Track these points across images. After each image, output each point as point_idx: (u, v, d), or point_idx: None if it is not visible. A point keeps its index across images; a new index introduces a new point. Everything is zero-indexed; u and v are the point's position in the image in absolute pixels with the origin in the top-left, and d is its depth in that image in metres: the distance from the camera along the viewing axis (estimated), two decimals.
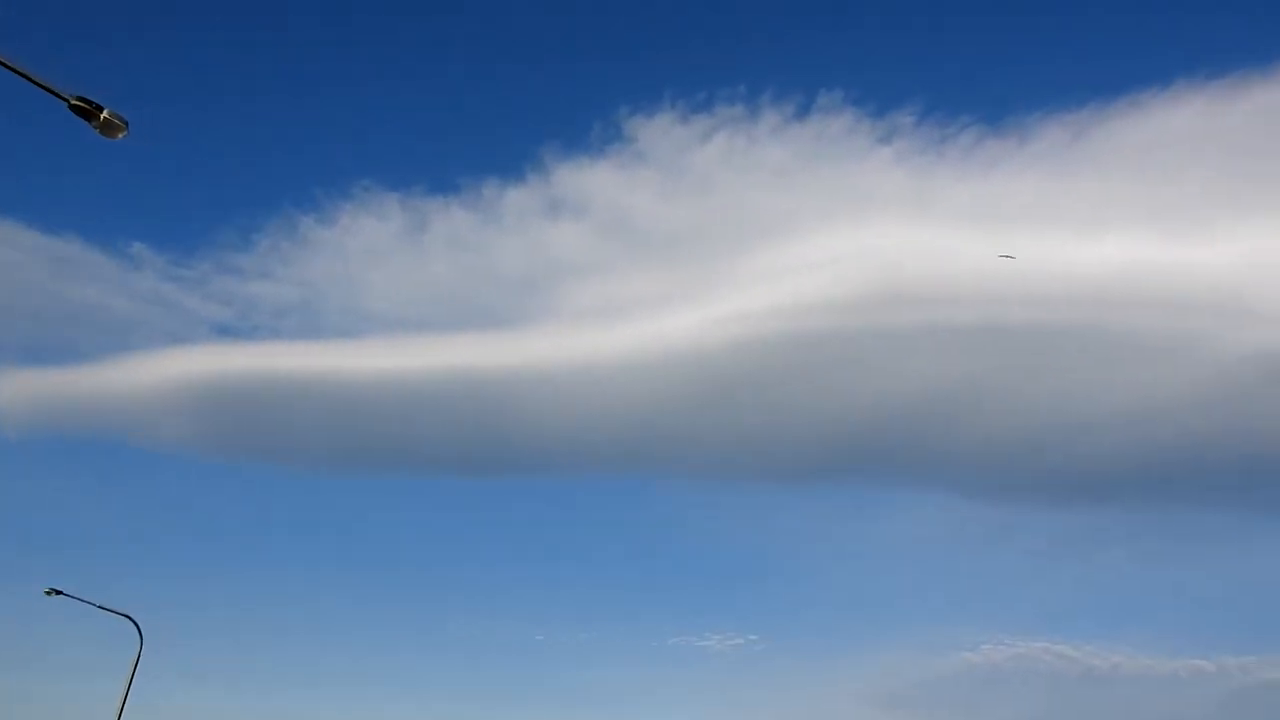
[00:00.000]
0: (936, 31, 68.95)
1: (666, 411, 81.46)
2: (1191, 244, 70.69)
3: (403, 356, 58.92)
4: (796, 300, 72.03)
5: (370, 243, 62.10)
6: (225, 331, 55.59)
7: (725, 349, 77.22)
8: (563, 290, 70.29)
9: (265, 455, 60.03)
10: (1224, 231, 71.47)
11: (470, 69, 66.56)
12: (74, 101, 9.02)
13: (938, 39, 67.94)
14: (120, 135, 9.15)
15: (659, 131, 62.91)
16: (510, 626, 57.36)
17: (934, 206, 78.47)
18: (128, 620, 19.34)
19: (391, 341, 60.17)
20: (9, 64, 8.29)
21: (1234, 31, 70.75)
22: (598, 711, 56.01)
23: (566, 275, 69.00)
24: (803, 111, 61.15)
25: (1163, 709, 77.07)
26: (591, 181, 66.01)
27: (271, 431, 58.07)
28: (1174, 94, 69.07)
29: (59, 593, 18.79)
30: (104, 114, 9.08)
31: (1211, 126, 75.89)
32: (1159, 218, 78.76)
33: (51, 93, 8.83)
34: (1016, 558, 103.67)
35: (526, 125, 65.53)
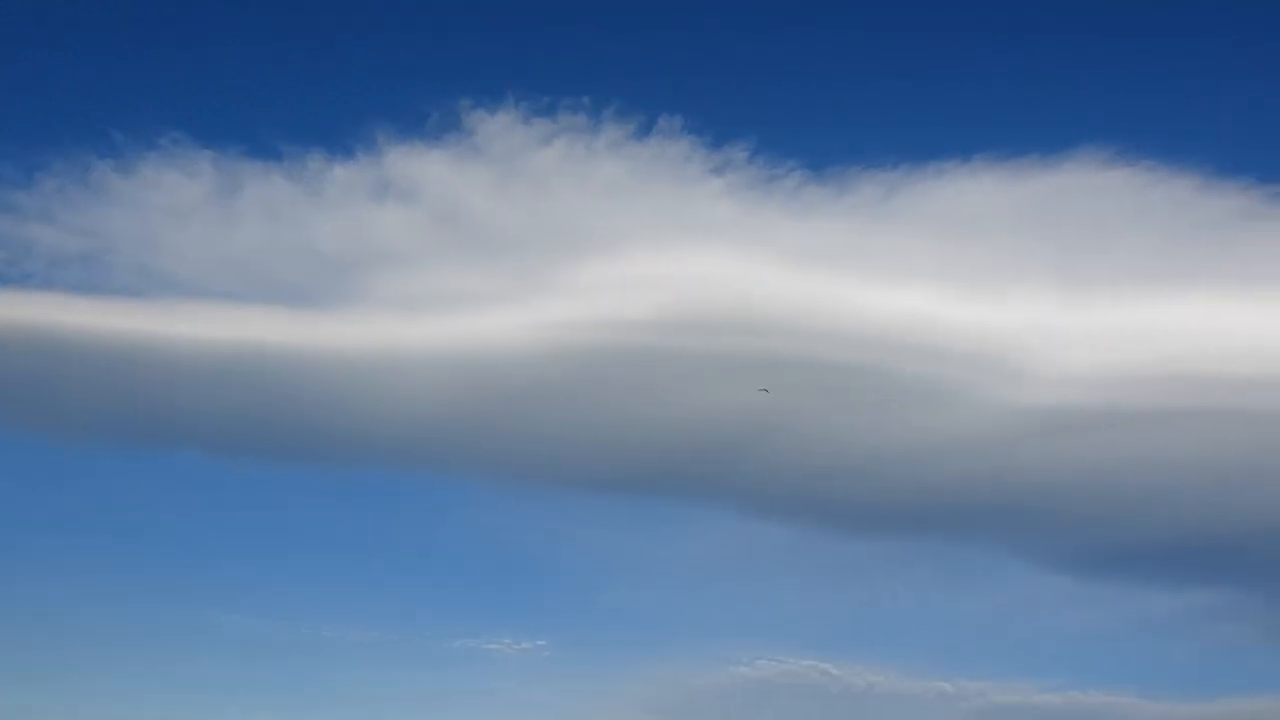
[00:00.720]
0: (774, 76, 72.26)
1: (473, 412, 79.62)
2: (977, 304, 78.51)
3: (198, 324, 54.22)
4: (618, 315, 72.99)
5: (174, 200, 56.73)
6: None
7: (541, 355, 76.69)
8: (380, 276, 67.16)
9: (21, 421, 53.08)
10: (1004, 296, 79.88)
11: (310, 34, 62.28)
12: None
13: (775, 84, 71.23)
14: None
15: (499, 128, 61.72)
16: (286, 623, 54.03)
17: (756, 241, 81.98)
18: None
19: (187, 307, 55.11)
20: None
21: (1029, 120, 78.70)
22: (375, 714, 53.65)
23: (386, 261, 66.11)
24: (643, 132, 62.18)
25: None
26: (424, 169, 63.82)
27: (32, 394, 51.49)
28: (974, 167, 75.78)
29: None
30: None
31: (1003, 201, 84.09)
32: (952, 277, 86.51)
33: None
34: (796, 580, 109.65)
35: (362, 101, 62.06)
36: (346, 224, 61.75)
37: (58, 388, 52.28)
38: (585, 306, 74.63)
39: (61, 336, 51.51)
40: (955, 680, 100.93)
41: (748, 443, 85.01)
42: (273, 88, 66.27)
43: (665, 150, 77.64)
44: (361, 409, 62.25)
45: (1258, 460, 79.76)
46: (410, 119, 61.83)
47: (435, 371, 67.57)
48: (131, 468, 56.54)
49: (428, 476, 72.75)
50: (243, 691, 52.18)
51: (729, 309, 76.57)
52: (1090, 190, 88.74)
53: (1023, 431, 77.30)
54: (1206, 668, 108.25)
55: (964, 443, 78.29)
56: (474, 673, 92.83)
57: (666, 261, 75.33)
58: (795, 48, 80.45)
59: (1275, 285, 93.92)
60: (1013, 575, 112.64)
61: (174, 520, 57.43)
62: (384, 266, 62.95)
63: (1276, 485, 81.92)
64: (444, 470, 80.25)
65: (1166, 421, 79.53)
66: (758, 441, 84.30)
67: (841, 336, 76.37)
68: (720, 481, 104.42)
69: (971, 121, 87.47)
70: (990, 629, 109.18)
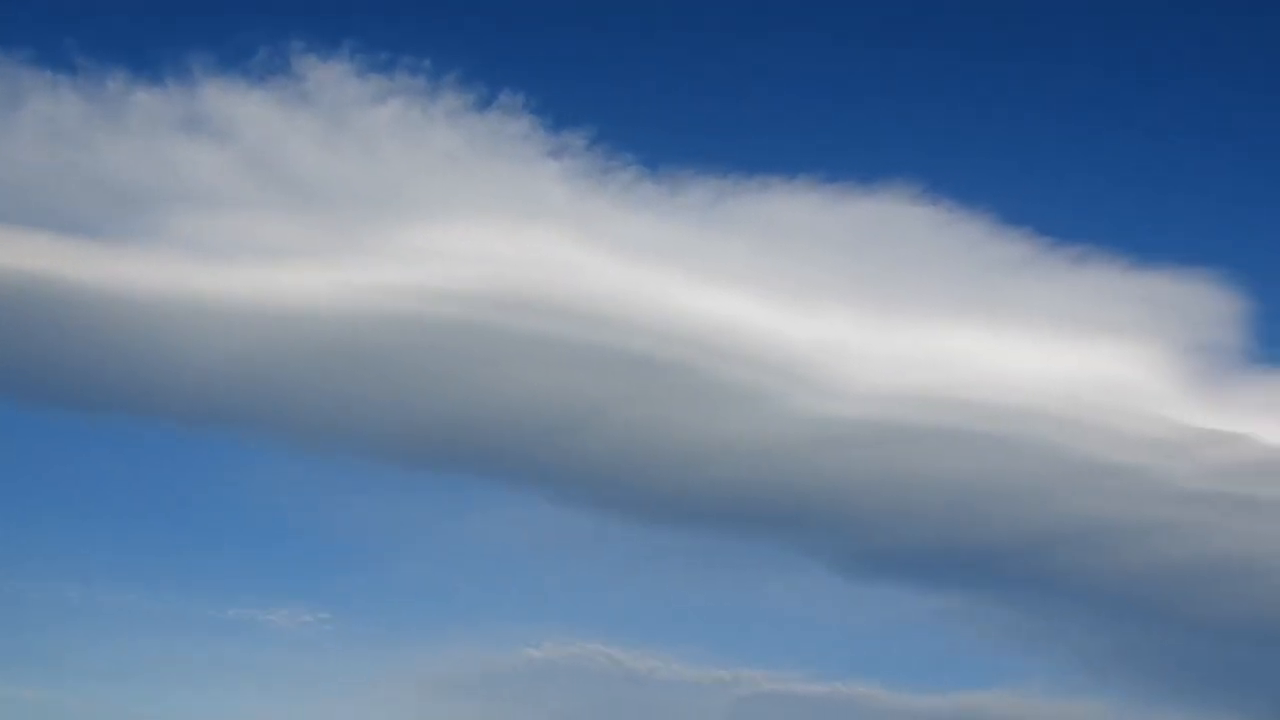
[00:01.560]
0: (620, 71, 73.16)
1: (273, 371, 75.53)
2: (789, 315, 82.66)
3: None
4: (443, 287, 71.19)
5: None
6: None
7: (358, 319, 73.73)
8: (182, 215, 62.99)
9: None
10: (814, 311, 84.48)
11: None
12: None
13: (619, 79, 72.11)
14: None
15: (331, 77, 59.01)
16: (37, 582, 49.55)
17: (587, 229, 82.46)
18: None
19: None
20: None
21: (851, 148, 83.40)
22: (139, 684, 50.43)
23: (191, 200, 61.89)
24: (483, 104, 61.23)
25: (684, 711, 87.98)
26: (243, 108, 60.21)
27: None
28: (796, 186, 79.71)
29: None
30: None
31: (820, 221, 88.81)
32: (769, 286, 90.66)
33: None
34: (592, 567, 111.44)
35: (180, 25, 57.27)
36: (147, 155, 56.88)
37: None
38: (405, 273, 72.17)
39: None
40: (732, 668, 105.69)
41: (559, 429, 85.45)
42: None
43: (504, 126, 76.35)
44: (146, 356, 57.87)
45: (1007, 481, 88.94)
46: (233, 52, 57.61)
47: (235, 323, 63.80)
48: None
49: (214, 434, 68.27)
50: None
51: (554, 292, 76.58)
52: (897, 222, 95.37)
53: (818, 440, 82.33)
54: (947, 664, 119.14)
55: (765, 446, 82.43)
56: (250, 644, 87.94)
57: (494, 237, 74.10)
58: (645, 46, 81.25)
59: (1043, 327, 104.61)
60: (794, 573, 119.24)
61: None
62: (187, 206, 58.50)
63: (1019, 504, 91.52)
64: (233, 429, 75.53)
65: (938, 440, 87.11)
66: (569, 429, 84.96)
67: (661, 332, 78.29)
68: (527, 465, 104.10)
69: (799, 142, 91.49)
70: (768, 622, 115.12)
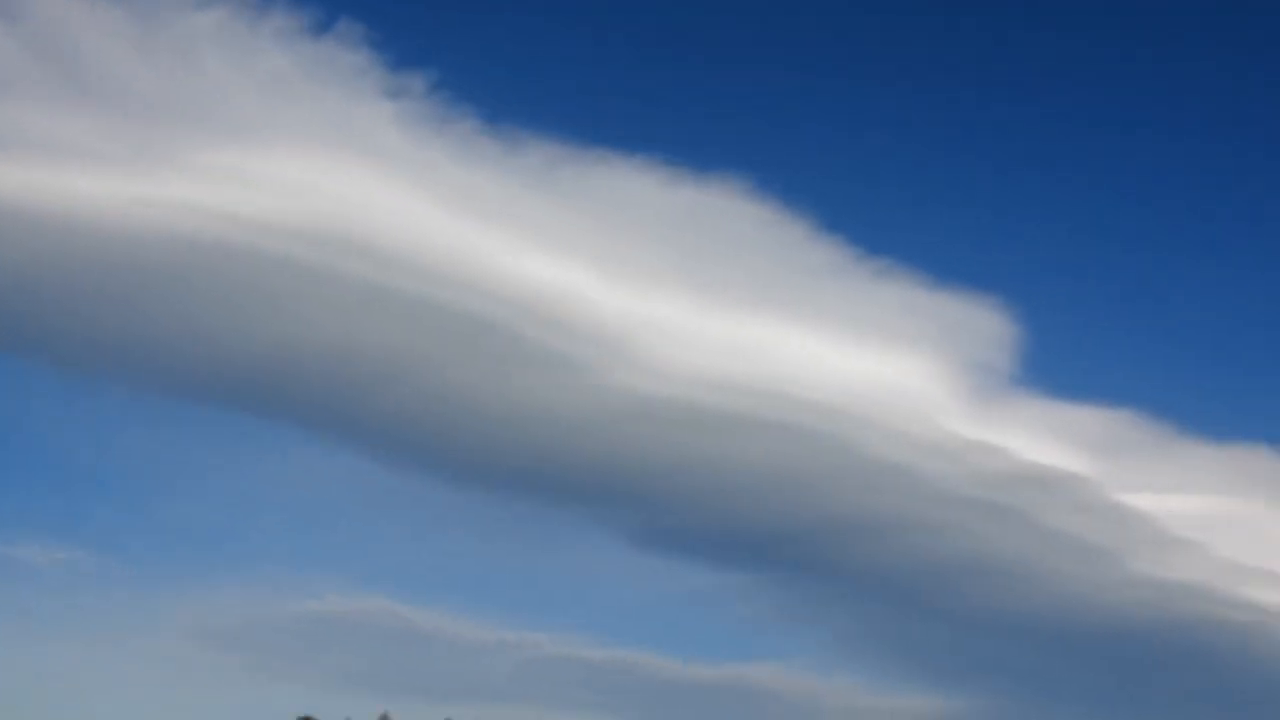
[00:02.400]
0: (468, 14, 70.90)
1: (48, 285, 68.27)
2: (615, 290, 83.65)
3: None
4: (256, 215, 66.46)
5: None
6: None
7: (154, 238, 67.47)
8: None
9: None
10: (641, 290, 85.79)
11: None
12: None
13: (465, 23, 69.95)
14: None
15: None
16: None
17: (420, 177, 79.53)
18: None
19: None
20: None
21: (692, 136, 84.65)
22: None
23: None
24: (318, 29, 57.54)
25: (468, 671, 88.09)
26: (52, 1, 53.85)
27: None
28: (636, 163, 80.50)
29: None
30: None
31: (656, 203, 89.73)
32: (598, 260, 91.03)
33: None
34: (383, 520, 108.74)
35: None
36: None
37: None
38: (213, 194, 66.69)
39: None
40: (518, 631, 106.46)
41: (367, 379, 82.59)
42: None
43: (339, 56, 71.87)
44: None
45: (796, 470, 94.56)
46: None
47: (5, 224, 57.37)
48: None
49: None
50: None
51: (378, 238, 73.43)
52: (726, 213, 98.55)
53: (629, 416, 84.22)
54: (720, 637, 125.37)
55: (577, 418, 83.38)
56: None
57: (317, 171, 69.96)
58: None
59: (844, 330, 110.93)
60: (588, 542, 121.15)
61: None
62: None
63: (803, 493, 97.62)
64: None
65: (739, 426, 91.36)
66: (379, 380, 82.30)
67: (488, 293, 77.25)
68: (329, 413, 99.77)
69: (642, 120, 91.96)
70: (558, 588, 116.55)
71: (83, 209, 54.13)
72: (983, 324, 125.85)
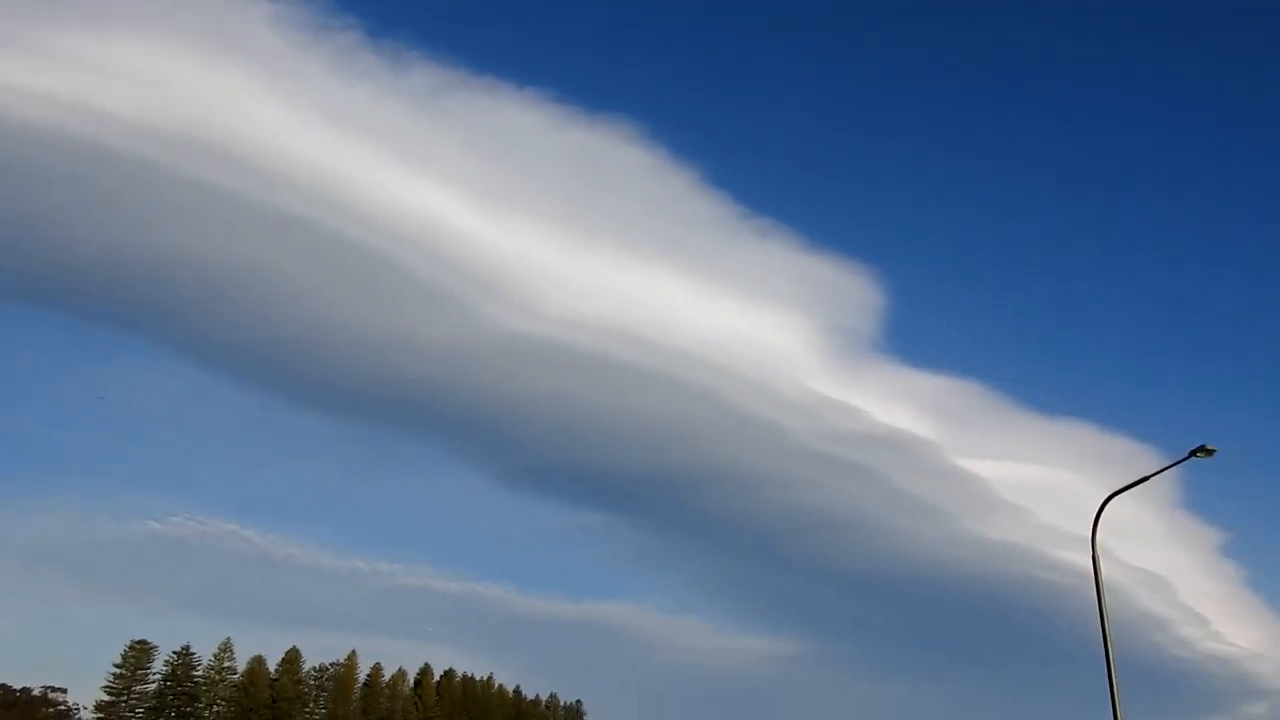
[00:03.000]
0: None
1: None
2: (494, 225, 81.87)
3: None
4: (107, 108, 61.08)
5: None
6: None
7: None
8: None
9: None
10: (521, 227, 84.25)
11: None
12: None
13: None
14: None
15: None
16: None
17: (293, 84, 75.17)
18: None
19: None
20: None
21: (584, 73, 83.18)
22: None
23: None
24: None
25: (319, 599, 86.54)
26: None
27: None
28: (524, 96, 78.61)
29: None
30: None
31: (544, 140, 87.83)
32: (481, 193, 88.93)
33: None
34: (239, 443, 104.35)
35: None
36: None
37: None
38: (64, 83, 60.85)
39: None
40: (370, 560, 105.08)
41: (223, 293, 78.38)
42: None
43: None
44: None
45: (664, 417, 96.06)
46: None
47: None
48: None
49: None
50: None
51: (240, 143, 69.29)
52: (614, 157, 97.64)
53: (501, 353, 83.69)
54: (580, 575, 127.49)
55: (448, 351, 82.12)
56: None
57: (175, 65, 64.57)
58: None
59: (722, 285, 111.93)
60: (450, 476, 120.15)
61: None
62: None
63: (669, 440, 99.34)
64: None
65: (612, 370, 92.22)
66: (235, 294, 78.24)
67: (356, 214, 74.39)
68: (181, 325, 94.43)
69: (536, 53, 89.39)
70: (414, 519, 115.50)
71: None
72: (852, 290, 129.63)
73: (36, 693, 57.02)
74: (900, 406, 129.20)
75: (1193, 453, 9.95)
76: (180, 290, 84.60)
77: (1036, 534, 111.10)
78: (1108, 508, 10.19)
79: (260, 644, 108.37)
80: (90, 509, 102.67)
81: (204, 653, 59.39)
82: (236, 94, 70.59)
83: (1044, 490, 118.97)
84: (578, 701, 79.31)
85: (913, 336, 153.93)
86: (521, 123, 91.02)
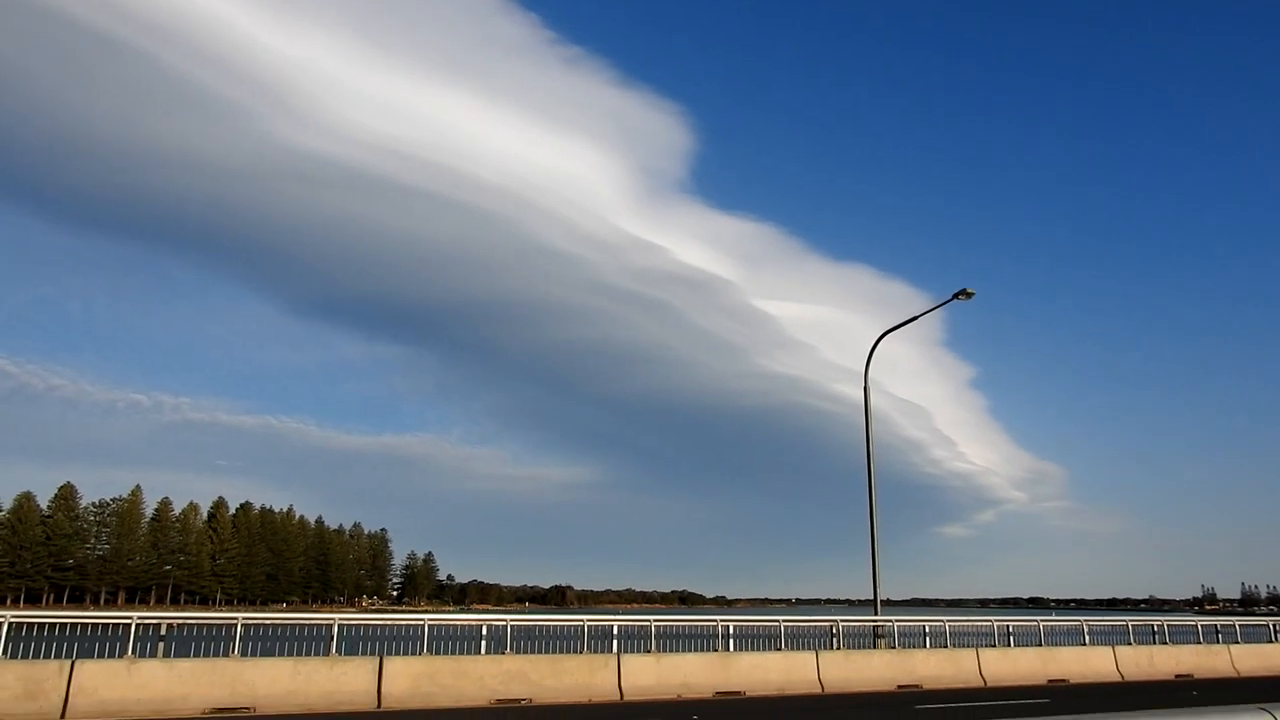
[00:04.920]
0: None
1: None
2: (280, 30, 74.13)
3: None
4: None
5: None
6: None
7: None
8: None
9: None
10: (308, 33, 76.68)
11: None
12: None
13: None
14: None
15: None
16: None
17: None
18: None
19: None
20: None
21: None
22: None
23: None
24: None
25: (97, 431, 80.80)
26: None
27: None
28: None
29: None
30: None
31: None
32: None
33: None
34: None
35: None
36: None
37: None
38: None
39: None
40: (151, 393, 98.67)
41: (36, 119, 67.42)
42: None
43: None
44: None
45: (464, 248, 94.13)
46: None
47: None
48: None
49: None
50: None
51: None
52: None
53: (288, 174, 78.08)
54: (379, 408, 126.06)
55: (231, 168, 75.49)
56: None
57: None
58: None
59: (527, 114, 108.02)
60: (237, 303, 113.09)
61: None
62: None
63: (469, 271, 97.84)
64: None
65: (408, 196, 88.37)
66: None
67: (124, 12, 65.07)
68: None
69: None
70: (196, 350, 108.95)
71: None
72: (661, 130, 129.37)
73: None
74: (703, 247, 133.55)
75: (955, 295, 11.07)
76: None
77: (819, 369, 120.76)
78: (880, 345, 11.29)
79: (26, 481, 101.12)
80: None
81: None
82: None
83: (829, 329, 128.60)
84: (382, 530, 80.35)
85: (718, 180, 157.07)
86: None
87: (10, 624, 6.29)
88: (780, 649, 8.86)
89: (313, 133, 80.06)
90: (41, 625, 6.43)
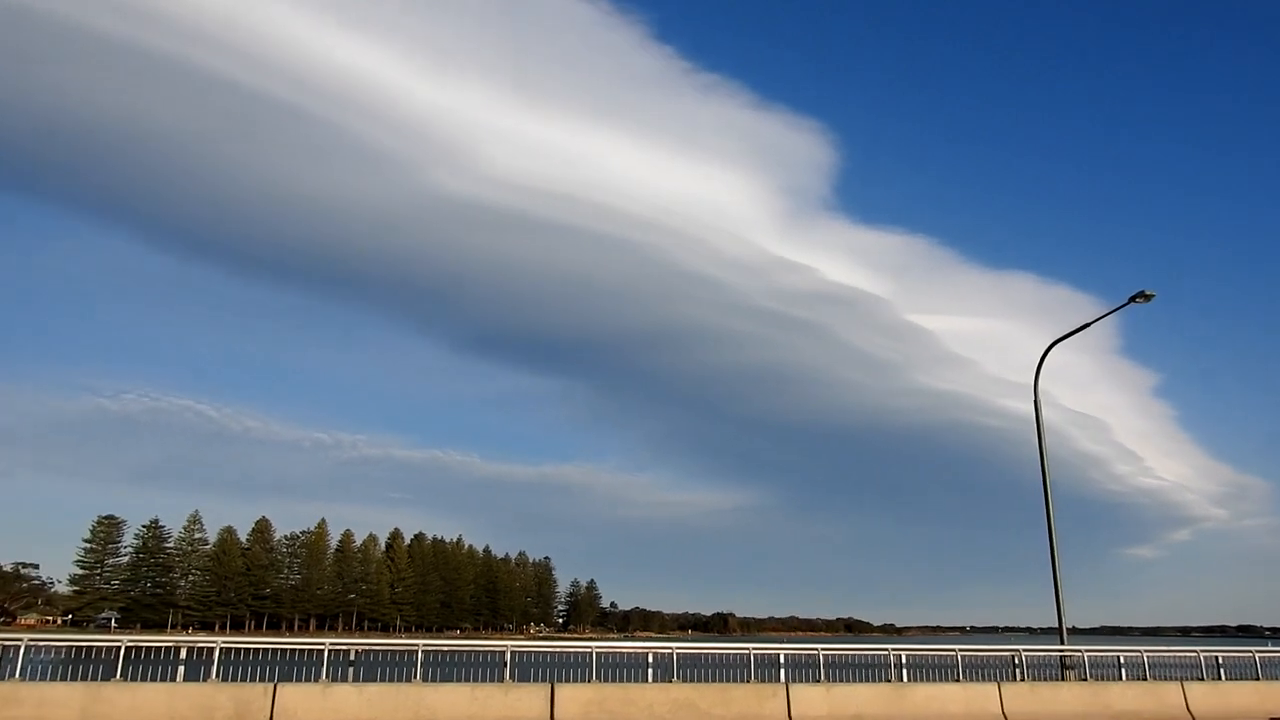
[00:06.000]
0: None
1: None
2: (432, 82, 78.53)
3: None
4: None
5: None
6: None
7: None
8: None
9: None
10: (466, 84, 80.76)
11: None
12: None
13: None
14: None
15: None
16: None
17: None
18: None
19: None
20: None
21: None
22: None
23: None
24: None
25: (286, 469, 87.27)
26: None
27: None
28: None
29: None
30: None
31: None
32: (417, 48, 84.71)
33: None
34: (183, 317, 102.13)
35: None
36: None
37: None
38: None
39: None
40: (331, 431, 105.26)
41: (160, 162, 75.05)
42: None
43: None
44: None
45: (615, 280, 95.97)
46: None
47: None
48: None
49: None
50: None
51: (164, 2, 64.81)
52: (559, 13, 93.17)
53: (448, 217, 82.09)
54: (537, 439, 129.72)
55: (394, 216, 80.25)
56: None
57: None
58: None
59: (668, 144, 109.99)
60: (402, 344, 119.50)
61: None
62: None
63: (621, 302, 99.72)
64: None
65: (560, 234, 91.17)
66: (172, 163, 75.01)
67: (290, 76, 70.75)
68: (113, 195, 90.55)
69: None
70: (372, 389, 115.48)
71: None
72: (802, 148, 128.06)
73: (8, 569, 57.82)
74: (851, 264, 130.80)
75: (1132, 299, 10.32)
76: (113, 158, 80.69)
77: (982, 384, 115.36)
78: (1049, 355, 10.68)
79: (228, 515, 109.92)
80: (36, 387, 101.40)
81: (172, 525, 60.40)
82: None
83: (990, 341, 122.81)
84: (546, 558, 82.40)
85: (863, 194, 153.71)
86: None
87: (220, 649, 6.87)
88: (958, 679, 8.43)
89: (469, 179, 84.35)
90: (245, 650, 7.00)
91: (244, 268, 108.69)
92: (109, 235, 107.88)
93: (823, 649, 8.40)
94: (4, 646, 6.60)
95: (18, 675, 6.56)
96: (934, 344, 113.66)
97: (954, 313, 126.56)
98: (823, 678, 8.02)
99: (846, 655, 8.57)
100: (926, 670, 8.69)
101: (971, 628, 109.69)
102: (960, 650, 8.87)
